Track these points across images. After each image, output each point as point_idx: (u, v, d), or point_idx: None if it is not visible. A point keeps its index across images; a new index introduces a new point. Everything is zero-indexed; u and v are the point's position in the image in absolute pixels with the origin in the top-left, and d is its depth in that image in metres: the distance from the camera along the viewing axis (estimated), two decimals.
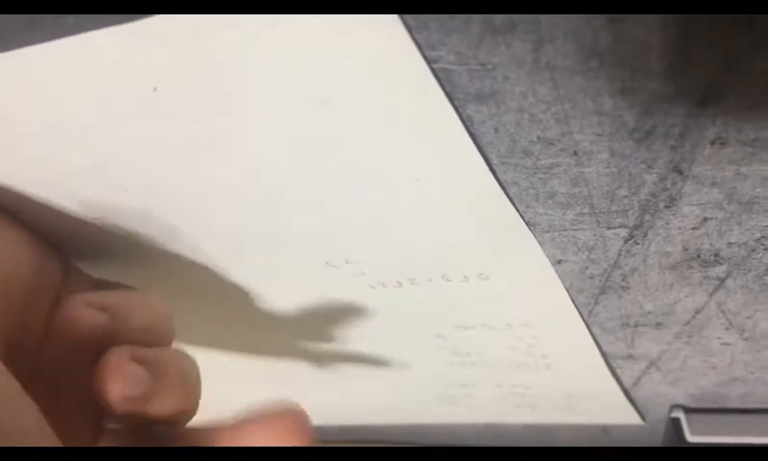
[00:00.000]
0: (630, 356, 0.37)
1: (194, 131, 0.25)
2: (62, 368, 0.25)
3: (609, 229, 0.28)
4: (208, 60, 0.22)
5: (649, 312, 0.33)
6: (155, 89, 0.23)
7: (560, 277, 0.31)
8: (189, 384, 0.27)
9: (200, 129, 0.25)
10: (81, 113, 0.25)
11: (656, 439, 0.44)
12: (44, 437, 0.21)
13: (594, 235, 0.28)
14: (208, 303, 0.38)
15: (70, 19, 0.21)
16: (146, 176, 0.28)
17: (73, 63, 0.23)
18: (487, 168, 0.25)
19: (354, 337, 0.40)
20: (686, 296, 0.31)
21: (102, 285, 0.31)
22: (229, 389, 0.49)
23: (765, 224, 0.27)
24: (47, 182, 0.29)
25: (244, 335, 0.42)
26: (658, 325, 0.34)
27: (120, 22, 0.21)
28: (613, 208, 0.26)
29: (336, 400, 0.49)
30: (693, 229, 0.27)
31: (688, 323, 0.33)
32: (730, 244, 0.28)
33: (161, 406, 0.25)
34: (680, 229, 0.27)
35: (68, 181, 0.29)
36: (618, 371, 0.39)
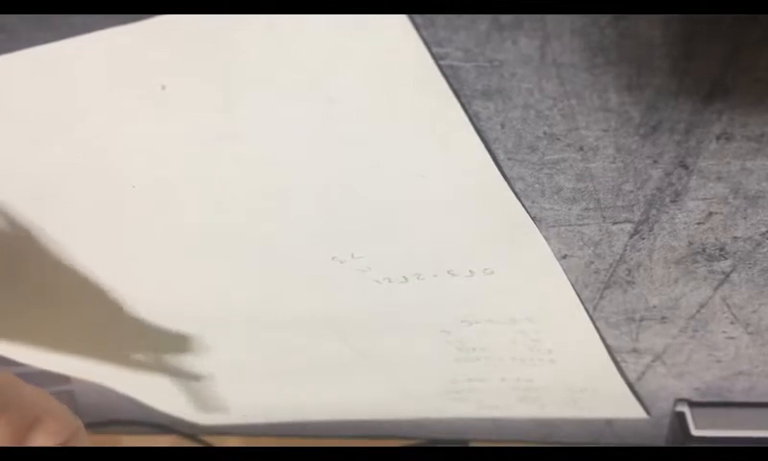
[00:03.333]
0: (635, 350, 0.37)
1: (202, 128, 0.25)
2: None
3: (614, 224, 0.28)
4: (216, 59, 0.22)
5: (654, 306, 0.33)
6: (163, 88, 0.23)
7: (565, 271, 0.31)
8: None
9: (207, 127, 0.25)
10: (89, 112, 0.25)
11: (660, 433, 0.44)
12: None
13: (600, 230, 0.28)
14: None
15: (77, 19, 0.21)
16: (154, 173, 0.28)
17: (81, 63, 0.23)
18: (493, 164, 0.25)
19: (359, 332, 0.40)
20: (691, 290, 0.31)
21: None
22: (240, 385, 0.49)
23: None
24: (51, 180, 0.29)
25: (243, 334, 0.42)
26: (663, 319, 0.34)
27: (128, 21, 0.21)
28: (619, 203, 0.27)
29: (342, 396, 0.49)
30: (698, 223, 0.27)
31: (693, 317, 0.33)
32: (735, 238, 0.28)
33: None
34: (685, 223, 0.27)
35: (73, 180, 0.29)
36: (623, 365, 0.39)
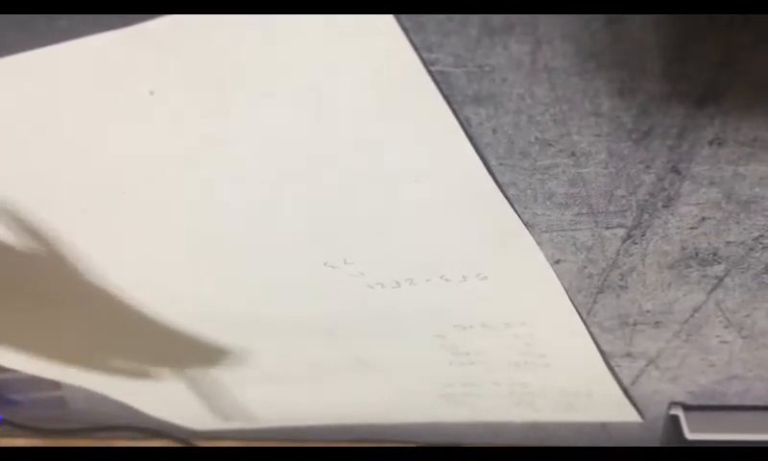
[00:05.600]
0: (629, 355, 0.37)
1: (192, 133, 0.25)
2: None
3: (607, 229, 0.28)
4: (205, 64, 0.22)
5: (648, 311, 0.33)
6: (151, 93, 0.23)
7: (558, 276, 0.31)
8: None
9: (198, 131, 0.25)
10: (76, 118, 0.25)
11: (655, 436, 0.44)
12: None
13: (593, 235, 0.28)
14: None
15: (63, 23, 0.21)
16: (143, 179, 0.28)
17: (67, 68, 0.23)
18: (485, 169, 0.25)
19: (353, 337, 0.40)
20: (685, 295, 0.31)
21: None
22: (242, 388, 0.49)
23: (763, 223, 0.27)
24: (42, 187, 0.29)
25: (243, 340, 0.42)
26: (656, 323, 0.34)
27: (114, 27, 0.21)
28: (612, 209, 0.26)
29: (337, 400, 0.49)
30: (691, 228, 0.27)
31: (687, 321, 0.33)
32: (728, 243, 0.28)
33: None
34: (678, 228, 0.27)
35: (59, 187, 0.29)
36: (617, 369, 0.39)
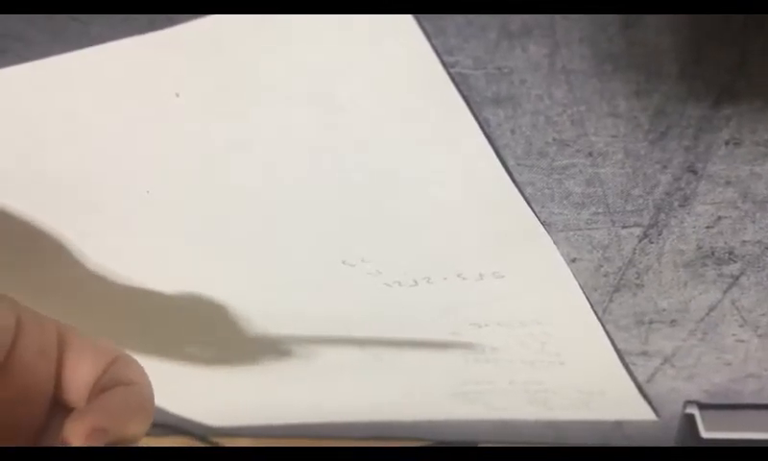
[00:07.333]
0: (644, 353, 0.37)
1: (215, 135, 0.26)
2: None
3: (623, 228, 0.28)
4: (228, 67, 0.22)
5: (663, 310, 0.33)
6: (177, 96, 0.24)
7: (574, 275, 0.31)
8: (146, 409, 0.27)
9: (221, 132, 0.25)
10: (104, 120, 0.25)
11: (670, 435, 0.45)
12: None
13: (609, 234, 0.28)
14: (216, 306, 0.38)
15: (94, 30, 0.22)
16: (168, 178, 0.28)
17: (97, 72, 0.23)
18: (503, 169, 0.25)
19: (370, 335, 0.40)
20: (701, 293, 0.32)
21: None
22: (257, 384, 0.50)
23: None
24: (68, 188, 0.29)
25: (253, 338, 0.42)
26: (672, 322, 0.34)
27: (143, 32, 0.22)
28: (628, 208, 0.27)
29: (353, 398, 0.49)
30: (707, 227, 0.27)
31: (702, 320, 0.33)
32: (744, 242, 0.28)
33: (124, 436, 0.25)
34: (694, 227, 0.28)
35: (88, 186, 0.29)
36: (632, 367, 0.39)
